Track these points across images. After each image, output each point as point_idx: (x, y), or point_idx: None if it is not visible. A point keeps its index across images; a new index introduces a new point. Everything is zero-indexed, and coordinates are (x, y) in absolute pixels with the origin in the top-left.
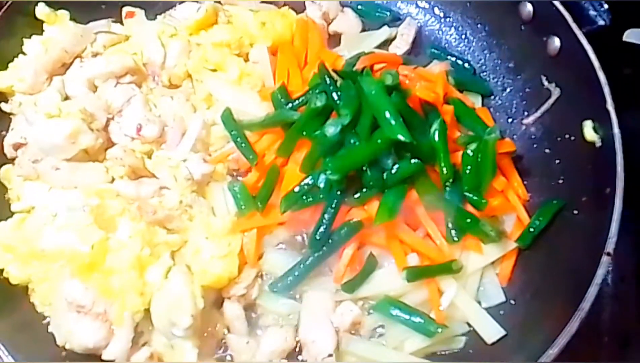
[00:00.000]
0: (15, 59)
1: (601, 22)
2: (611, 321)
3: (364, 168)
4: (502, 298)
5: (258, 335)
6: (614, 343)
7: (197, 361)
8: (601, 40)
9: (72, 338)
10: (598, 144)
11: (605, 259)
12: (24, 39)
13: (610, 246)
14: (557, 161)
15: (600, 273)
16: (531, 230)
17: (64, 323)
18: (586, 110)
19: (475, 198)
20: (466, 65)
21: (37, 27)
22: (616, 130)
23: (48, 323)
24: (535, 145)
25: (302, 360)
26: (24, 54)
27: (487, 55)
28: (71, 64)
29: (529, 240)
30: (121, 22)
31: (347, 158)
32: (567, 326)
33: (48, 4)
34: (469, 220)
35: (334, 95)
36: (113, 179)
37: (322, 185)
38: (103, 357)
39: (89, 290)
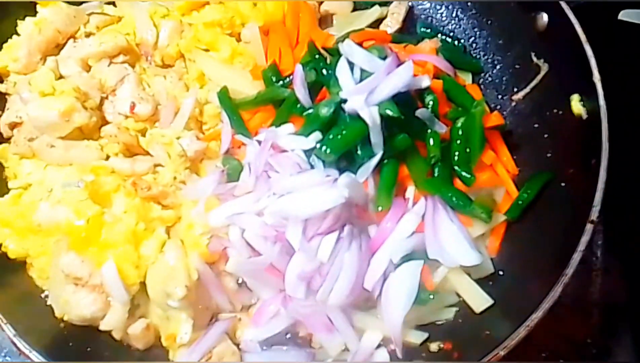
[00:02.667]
0: (10, 40)
1: None
2: (600, 293)
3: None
4: (491, 270)
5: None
6: (602, 315)
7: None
8: (590, 15)
9: (70, 310)
10: (585, 116)
11: (589, 227)
12: (18, 21)
13: (594, 214)
14: (546, 135)
15: (583, 240)
16: (520, 202)
17: (61, 295)
18: (574, 84)
19: (463, 173)
20: (456, 43)
21: (30, 8)
22: (602, 102)
23: (46, 296)
24: (524, 120)
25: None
26: (18, 35)
27: (477, 33)
28: (64, 44)
29: (518, 213)
30: (114, 4)
31: (343, 138)
32: (552, 291)
33: None
34: (461, 203)
35: (324, 71)
36: (108, 157)
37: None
38: (100, 328)
39: (85, 263)
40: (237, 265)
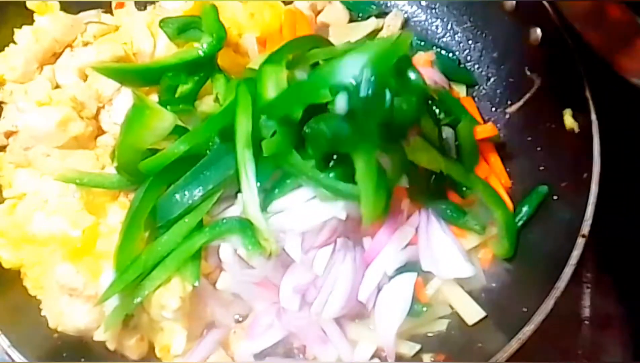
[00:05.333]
0: (6, 48)
1: None
2: (591, 306)
3: None
4: (484, 282)
5: None
6: (593, 327)
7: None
8: None
9: (64, 321)
10: (577, 130)
11: (580, 241)
12: (15, 29)
13: (585, 228)
14: (539, 148)
15: (575, 254)
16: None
17: (56, 306)
18: (566, 98)
19: (458, 185)
20: (451, 55)
21: (27, 17)
22: (593, 116)
23: (40, 306)
24: (518, 133)
25: None
26: (15, 43)
27: (472, 45)
28: (62, 53)
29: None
30: (111, 13)
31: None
32: (543, 304)
33: None
34: (454, 215)
35: None
36: (104, 167)
37: None
38: (94, 338)
39: (80, 274)
40: (229, 283)
